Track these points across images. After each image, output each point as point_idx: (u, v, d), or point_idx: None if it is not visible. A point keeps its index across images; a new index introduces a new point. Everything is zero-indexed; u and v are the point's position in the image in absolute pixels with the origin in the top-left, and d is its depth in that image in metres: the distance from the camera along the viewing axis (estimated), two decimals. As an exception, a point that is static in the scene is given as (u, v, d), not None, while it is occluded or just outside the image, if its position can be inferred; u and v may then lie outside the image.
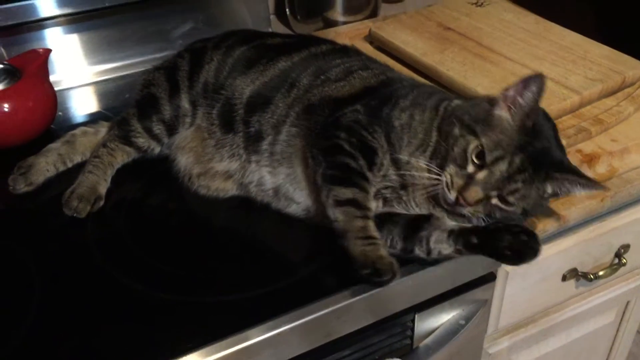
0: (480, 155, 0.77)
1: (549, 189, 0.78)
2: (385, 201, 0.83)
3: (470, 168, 0.77)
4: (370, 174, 0.81)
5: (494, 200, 0.77)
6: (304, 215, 0.88)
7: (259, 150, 0.89)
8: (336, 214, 0.78)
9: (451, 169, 0.78)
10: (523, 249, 0.76)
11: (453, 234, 0.78)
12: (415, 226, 0.80)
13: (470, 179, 0.77)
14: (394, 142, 0.82)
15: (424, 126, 0.82)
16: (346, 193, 0.78)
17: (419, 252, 0.79)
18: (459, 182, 0.77)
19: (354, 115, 0.84)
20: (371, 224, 0.78)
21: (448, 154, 0.79)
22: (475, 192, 0.76)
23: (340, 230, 0.77)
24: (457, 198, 0.77)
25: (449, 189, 0.78)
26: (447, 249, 0.78)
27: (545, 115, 0.82)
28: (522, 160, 0.75)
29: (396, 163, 0.82)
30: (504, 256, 0.77)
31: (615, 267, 1.06)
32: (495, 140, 0.77)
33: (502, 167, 0.76)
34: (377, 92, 0.89)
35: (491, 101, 0.80)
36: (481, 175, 0.76)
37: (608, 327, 1.24)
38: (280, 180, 0.88)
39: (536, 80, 0.75)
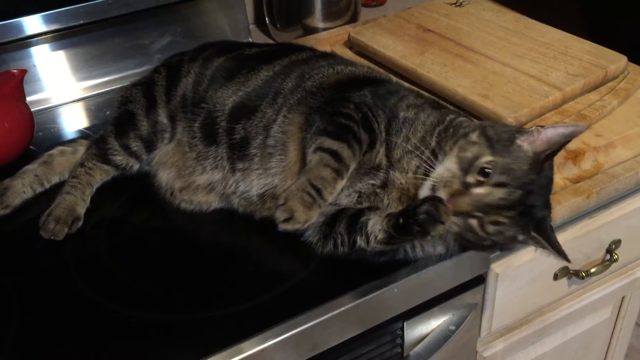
0: (486, 173, 0.73)
1: (521, 238, 0.75)
2: (359, 196, 0.81)
3: (471, 178, 0.74)
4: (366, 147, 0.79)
5: (473, 221, 0.74)
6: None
7: (246, 155, 0.87)
8: (311, 156, 0.76)
9: (453, 168, 0.75)
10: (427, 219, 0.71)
11: (388, 217, 0.75)
12: (358, 214, 0.78)
13: (466, 188, 0.73)
14: (391, 133, 0.80)
15: (425, 128, 0.80)
16: (333, 144, 0.76)
17: (360, 241, 0.77)
18: (455, 185, 0.74)
19: (362, 98, 0.83)
20: (337, 183, 0.76)
21: (447, 154, 0.76)
22: (465, 203, 0.73)
23: (305, 170, 0.76)
24: (447, 201, 0.73)
25: (442, 187, 0.74)
26: (380, 232, 0.75)
27: (551, 164, 0.79)
28: (520, 198, 0.72)
29: (388, 157, 0.80)
30: (415, 232, 0.72)
31: (607, 263, 1.05)
32: (507, 166, 0.73)
33: (501, 194, 0.72)
34: (380, 85, 0.88)
35: (520, 130, 0.77)
36: (479, 190, 0.73)
37: (605, 323, 1.23)
38: (269, 179, 0.85)
39: (574, 131, 0.74)
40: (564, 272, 1.01)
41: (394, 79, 1.01)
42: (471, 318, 0.91)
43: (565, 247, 0.97)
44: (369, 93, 0.85)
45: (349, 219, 0.78)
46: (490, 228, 0.73)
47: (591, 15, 1.35)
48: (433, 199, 0.71)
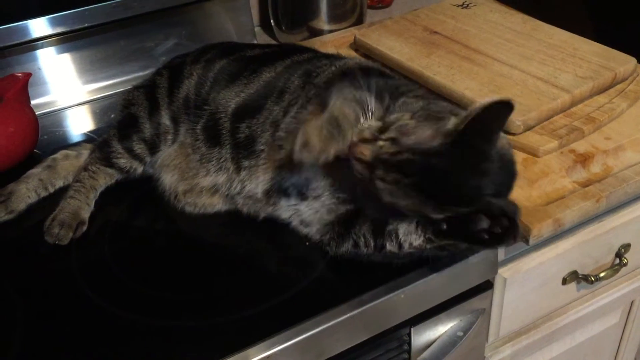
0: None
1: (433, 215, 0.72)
2: None
3: (383, 135, 0.72)
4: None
5: (378, 182, 0.70)
6: (294, 210, 0.85)
7: (252, 152, 0.86)
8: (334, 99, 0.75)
9: (375, 123, 0.74)
10: (503, 233, 0.69)
11: (420, 223, 0.74)
12: (383, 221, 0.77)
13: (375, 140, 0.71)
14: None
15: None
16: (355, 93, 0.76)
17: (390, 247, 0.76)
18: (367, 134, 0.72)
19: (369, 82, 0.80)
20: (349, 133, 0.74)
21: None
22: (366, 149, 0.71)
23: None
24: (352, 144, 0.72)
25: (357, 133, 0.73)
26: (417, 239, 0.75)
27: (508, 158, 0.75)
28: (412, 161, 0.69)
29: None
30: (482, 240, 0.70)
31: (616, 267, 1.04)
32: (415, 128, 0.71)
33: (390, 149, 0.70)
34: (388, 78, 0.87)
35: (453, 110, 0.76)
36: (381, 143, 0.71)
37: (614, 328, 1.22)
38: (276, 172, 0.84)
39: (502, 107, 0.68)
40: (573, 277, 1.00)
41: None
42: (479, 323, 0.90)
43: (573, 252, 0.97)
44: (374, 80, 0.82)
45: (373, 224, 0.78)
46: (380, 184, 0.70)
47: (600, 16, 1.34)
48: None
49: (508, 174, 0.75)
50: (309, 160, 0.73)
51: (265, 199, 0.86)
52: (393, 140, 0.70)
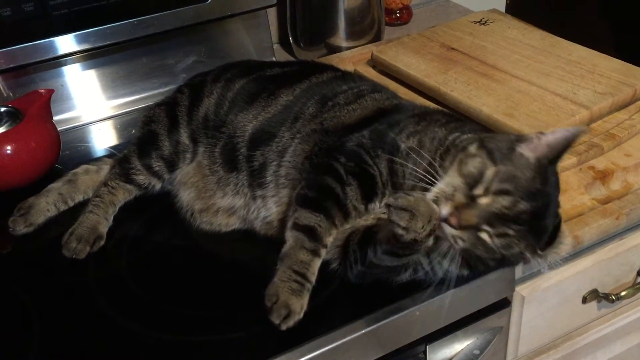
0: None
1: (528, 256, 0.72)
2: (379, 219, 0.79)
3: (477, 191, 0.71)
4: (361, 205, 0.78)
5: (484, 235, 0.71)
6: None
7: (263, 182, 0.88)
8: (288, 236, 0.76)
9: (455, 182, 0.72)
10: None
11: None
12: (370, 228, 0.77)
13: (472, 200, 0.71)
14: (396, 169, 0.79)
15: (430, 155, 0.77)
16: (309, 218, 0.76)
17: (370, 253, 0.76)
18: (458, 198, 0.71)
19: (359, 140, 0.82)
20: (316, 263, 0.75)
21: (446, 169, 0.74)
22: (470, 215, 0.70)
23: (282, 254, 0.75)
24: (450, 214, 0.71)
25: (444, 200, 0.71)
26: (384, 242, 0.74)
27: (555, 171, 0.75)
28: (526, 209, 0.69)
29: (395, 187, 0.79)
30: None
31: (638, 286, 1.02)
32: (510, 173, 0.71)
33: (505, 202, 0.70)
34: (387, 117, 0.86)
35: (520, 138, 0.75)
36: (484, 200, 0.70)
37: (636, 347, 1.19)
38: (284, 207, 0.85)
39: (575, 133, 0.71)
40: (593, 295, 0.98)
41: (404, 100, 0.98)
42: (496, 342, 0.89)
43: (593, 270, 0.96)
44: (367, 133, 0.83)
45: (363, 234, 0.77)
46: (498, 241, 0.70)
47: (619, 32, 1.33)
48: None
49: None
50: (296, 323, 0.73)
51: (281, 227, 0.86)
52: (500, 192, 0.70)
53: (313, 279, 0.75)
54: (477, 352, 0.87)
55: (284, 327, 0.72)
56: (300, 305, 0.73)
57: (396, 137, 0.81)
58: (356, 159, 0.79)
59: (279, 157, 0.87)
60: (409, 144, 0.80)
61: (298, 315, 0.73)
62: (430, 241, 0.71)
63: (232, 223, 0.91)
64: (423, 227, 0.68)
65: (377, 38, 1.40)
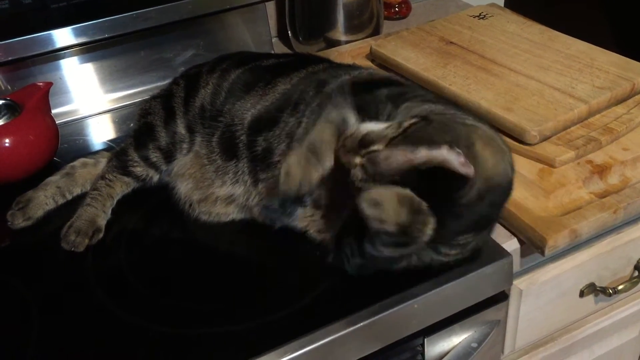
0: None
1: None
2: None
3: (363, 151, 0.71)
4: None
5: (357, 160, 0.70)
6: (310, 220, 0.85)
7: (270, 164, 0.87)
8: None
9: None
10: None
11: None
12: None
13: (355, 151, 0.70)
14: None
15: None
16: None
17: (367, 245, 0.73)
18: (348, 142, 0.71)
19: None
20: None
21: None
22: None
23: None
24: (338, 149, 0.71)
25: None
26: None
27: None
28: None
29: None
30: None
31: (635, 280, 1.02)
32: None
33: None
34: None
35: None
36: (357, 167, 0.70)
37: (632, 342, 1.19)
38: None
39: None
40: (591, 289, 0.99)
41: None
42: (494, 335, 0.89)
43: (590, 264, 0.96)
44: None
45: (358, 226, 0.76)
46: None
47: (618, 27, 1.33)
48: None
49: None
50: (293, 191, 0.73)
51: (281, 210, 0.86)
52: (362, 167, 0.70)
53: (328, 160, 0.73)
54: (474, 345, 0.87)
55: (281, 188, 0.72)
56: (301, 175, 0.72)
57: (410, 99, 0.80)
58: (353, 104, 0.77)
59: (287, 137, 0.86)
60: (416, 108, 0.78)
61: (295, 184, 0.72)
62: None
63: (231, 212, 0.91)
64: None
65: (376, 32, 1.40)
